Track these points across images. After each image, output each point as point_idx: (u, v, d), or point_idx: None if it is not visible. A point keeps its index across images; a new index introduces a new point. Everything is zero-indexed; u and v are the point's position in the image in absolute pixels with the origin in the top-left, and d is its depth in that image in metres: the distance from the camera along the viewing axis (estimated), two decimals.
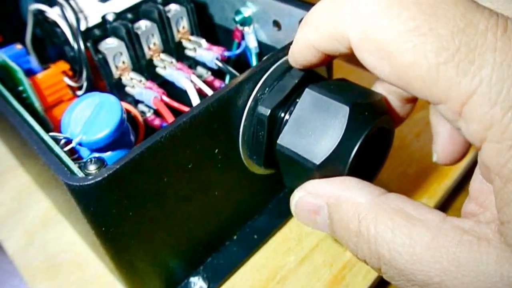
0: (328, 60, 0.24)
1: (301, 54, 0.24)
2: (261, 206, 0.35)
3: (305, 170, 0.25)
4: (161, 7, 0.36)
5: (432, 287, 0.18)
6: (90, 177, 0.22)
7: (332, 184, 0.22)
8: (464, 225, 0.18)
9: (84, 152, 0.28)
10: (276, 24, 0.35)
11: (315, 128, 0.24)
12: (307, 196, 0.23)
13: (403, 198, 0.20)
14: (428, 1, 0.17)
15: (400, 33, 0.18)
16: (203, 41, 0.38)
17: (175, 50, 0.38)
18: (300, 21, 0.31)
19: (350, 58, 0.25)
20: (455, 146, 0.25)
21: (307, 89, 0.25)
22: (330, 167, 0.24)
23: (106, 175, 0.22)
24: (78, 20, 0.34)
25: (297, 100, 0.26)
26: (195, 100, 0.32)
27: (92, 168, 0.22)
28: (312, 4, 0.31)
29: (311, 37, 0.22)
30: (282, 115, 0.26)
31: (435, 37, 0.17)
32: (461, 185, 0.40)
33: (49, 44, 0.38)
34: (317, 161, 0.24)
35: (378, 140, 0.26)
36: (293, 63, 0.25)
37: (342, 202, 0.21)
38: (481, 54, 0.16)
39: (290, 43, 0.28)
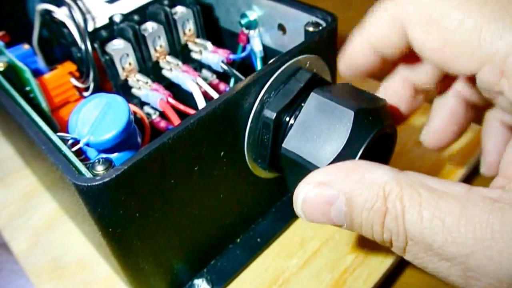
0: (377, 69, 0.26)
1: (356, 56, 0.25)
2: (265, 210, 0.35)
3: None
4: (167, 9, 0.36)
5: (460, 260, 0.17)
6: (98, 178, 0.22)
7: (346, 169, 0.21)
8: (492, 194, 0.18)
9: (91, 153, 0.28)
10: (281, 28, 0.35)
11: (320, 132, 0.25)
12: (316, 188, 0.21)
13: (423, 175, 0.20)
14: None
15: (449, 4, 0.20)
16: (208, 44, 0.38)
17: (181, 52, 0.39)
18: (306, 25, 0.31)
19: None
20: (446, 133, 0.27)
21: (312, 93, 0.26)
22: None
23: (114, 175, 0.22)
24: (85, 21, 0.35)
25: (303, 104, 0.26)
26: (200, 102, 0.33)
27: (100, 168, 0.23)
28: (318, 9, 0.31)
29: (369, 34, 0.24)
30: (288, 118, 0.26)
31: (480, 7, 0.19)
32: None
33: (56, 45, 0.39)
34: (322, 165, 0.24)
35: (381, 145, 0.26)
36: (346, 68, 0.27)
37: (364, 183, 0.20)
38: None
39: (297, 46, 0.28)
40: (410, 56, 0.25)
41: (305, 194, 0.21)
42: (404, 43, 0.23)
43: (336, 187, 0.20)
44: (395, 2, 0.23)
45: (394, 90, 0.28)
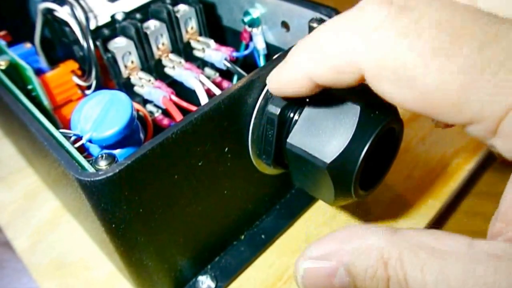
0: (317, 92, 0.23)
1: (291, 85, 0.23)
2: (269, 206, 0.35)
3: (315, 169, 0.25)
4: (170, 7, 0.36)
5: None
6: (101, 172, 0.21)
7: (341, 239, 0.20)
8: (496, 250, 0.17)
9: (94, 150, 0.28)
10: (285, 25, 0.35)
11: (326, 127, 0.24)
12: (314, 263, 0.20)
13: (418, 231, 0.19)
14: (446, 20, 0.17)
15: (422, 55, 0.17)
16: (211, 42, 0.38)
17: (183, 50, 0.38)
18: (310, 21, 0.31)
19: None
20: None
21: None
22: (340, 166, 0.24)
23: (117, 170, 0.21)
24: (87, 19, 0.35)
25: (307, 99, 0.26)
26: (204, 100, 0.32)
27: (103, 163, 0.22)
28: (322, 5, 0.31)
29: (311, 69, 0.21)
30: (292, 114, 0.26)
31: (459, 55, 0.16)
32: (467, 188, 0.40)
33: (57, 44, 0.39)
34: (328, 160, 0.24)
35: (386, 141, 0.26)
36: (276, 91, 0.25)
37: (362, 252, 0.19)
38: None
39: None
40: None
41: (303, 271, 0.20)
42: (358, 81, 0.20)
43: (334, 259, 0.19)
44: (345, 40, 0.19)
45: None
